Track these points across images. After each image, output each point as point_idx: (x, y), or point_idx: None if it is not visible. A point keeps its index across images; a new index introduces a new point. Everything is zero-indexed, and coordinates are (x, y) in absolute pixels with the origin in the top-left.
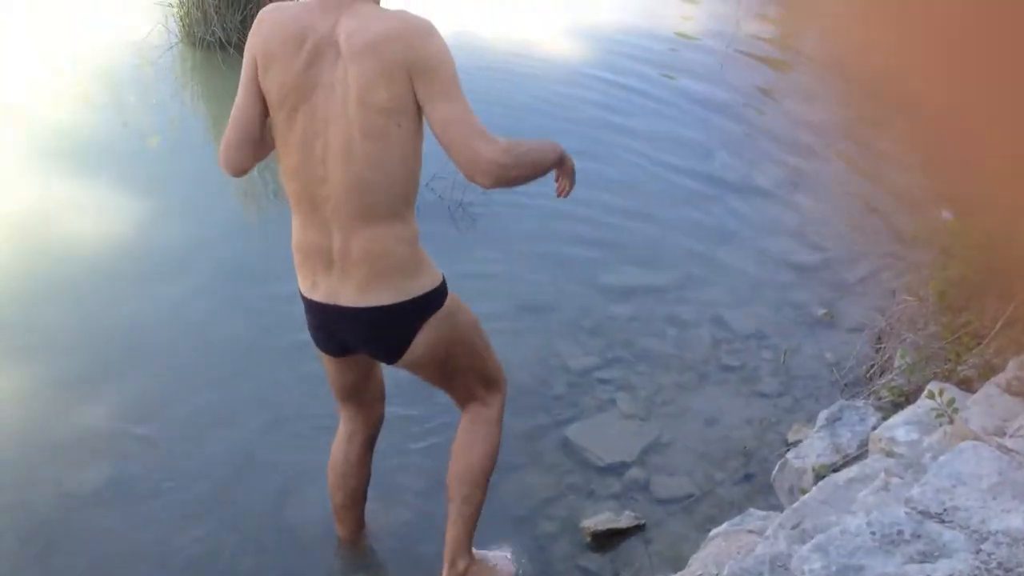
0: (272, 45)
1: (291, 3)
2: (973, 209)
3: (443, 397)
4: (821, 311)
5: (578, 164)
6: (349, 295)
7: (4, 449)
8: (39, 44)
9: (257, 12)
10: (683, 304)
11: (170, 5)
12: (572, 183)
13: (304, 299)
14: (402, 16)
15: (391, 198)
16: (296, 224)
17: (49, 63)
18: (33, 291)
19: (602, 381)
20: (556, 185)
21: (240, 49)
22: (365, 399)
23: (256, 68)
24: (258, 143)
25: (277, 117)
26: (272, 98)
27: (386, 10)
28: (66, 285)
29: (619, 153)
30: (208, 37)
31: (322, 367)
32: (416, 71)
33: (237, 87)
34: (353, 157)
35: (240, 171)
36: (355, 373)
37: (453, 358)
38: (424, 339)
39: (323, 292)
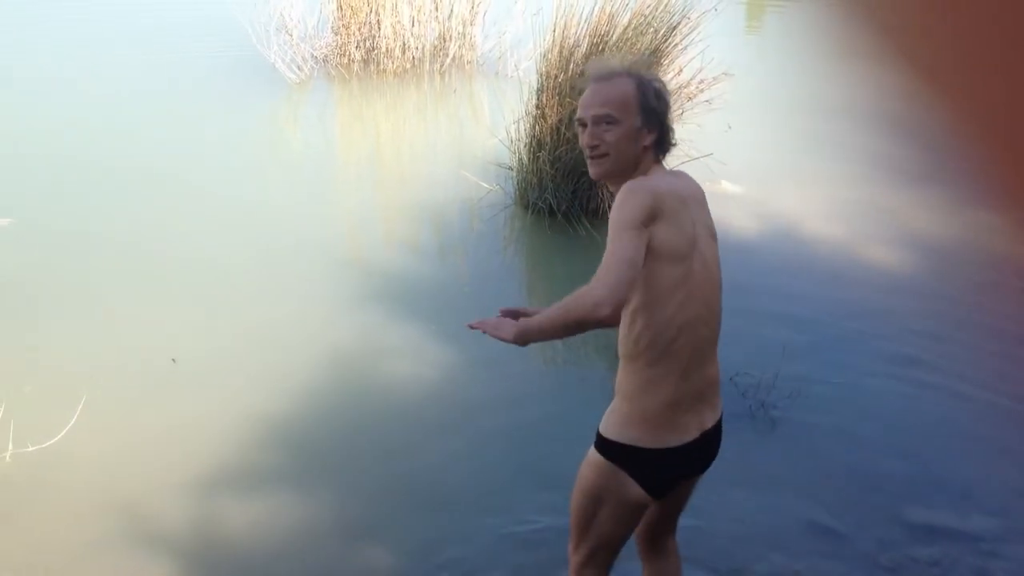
0: (671, 204)
1: (648, 177)
2: None
3: None
4: None
5: (888, 401)
6: (712, 416)
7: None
8: (381, 194)
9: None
10: (997, 559)
11: (510, 169)
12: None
13: (664, 452)
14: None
15: None
16: (672, 381)
17: (389, 212)
18: (345, 421)
19: None
20: None
21: (568, 217)
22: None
23: (650, 226)
24: None
25: (675, 272)
26: (678, 252)
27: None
28: (374, 422)
29: (935, 378)
30: (540, 203)
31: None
32: None
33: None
34: (720, 288)
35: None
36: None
37: None
38: None
39: (696, 427)
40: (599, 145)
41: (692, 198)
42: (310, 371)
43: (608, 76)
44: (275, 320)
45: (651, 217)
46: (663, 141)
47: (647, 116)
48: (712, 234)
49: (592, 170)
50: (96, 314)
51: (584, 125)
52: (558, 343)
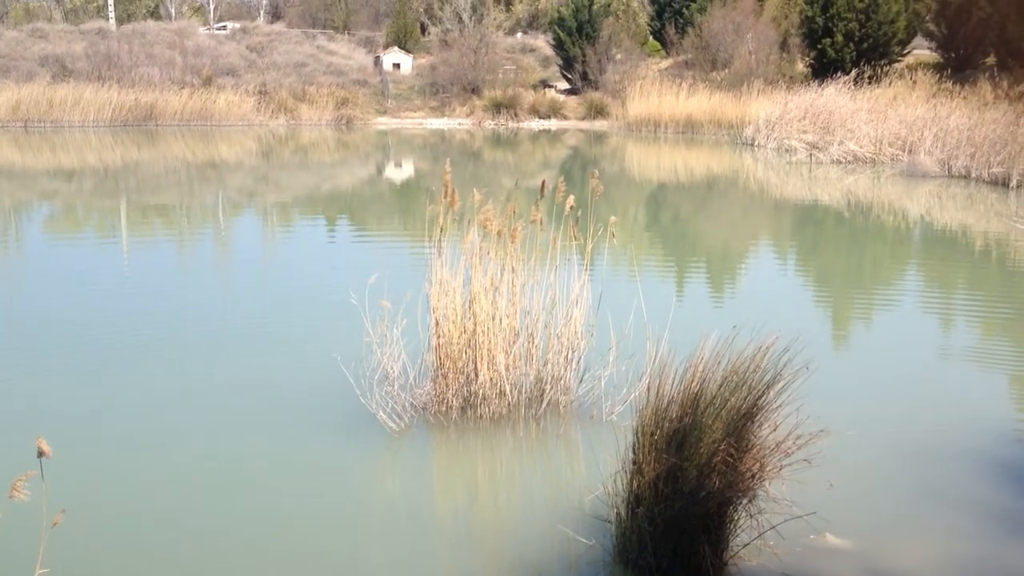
0: None
1: None
2: None
3: None
4: None
5: None
6: None
7: None
8: (477, 548)
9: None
10: None
11: (608, 522)
12: None
13: None
14: None
15: None
16: None
17: (487, 568)
18: None
19: None
20: None
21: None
22: None
23: None
24: None
25: None
26: None
27: None
28: None
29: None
30: (640, 561)
31: None
32: None
33: None
34: None
35: None
36: None
37: None
38: None
39: None
40: None
41: None
42: None
43: None
44: None
45: None
46: None
47: None
48: None
49: None
50: None
51: None
52: None
